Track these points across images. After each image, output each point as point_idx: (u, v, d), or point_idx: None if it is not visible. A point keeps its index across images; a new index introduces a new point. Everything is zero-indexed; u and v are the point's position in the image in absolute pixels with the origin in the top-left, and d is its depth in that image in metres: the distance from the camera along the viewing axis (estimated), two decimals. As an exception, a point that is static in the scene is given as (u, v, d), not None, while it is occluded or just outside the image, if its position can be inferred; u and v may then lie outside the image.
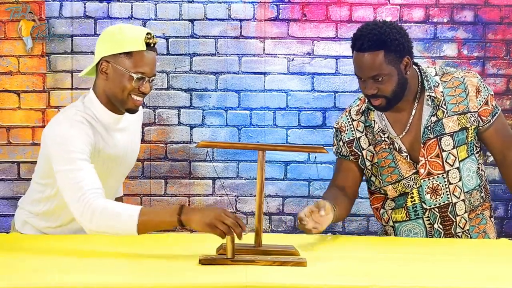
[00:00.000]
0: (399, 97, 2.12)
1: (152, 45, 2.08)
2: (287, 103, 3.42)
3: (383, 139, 2.21)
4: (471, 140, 2.19)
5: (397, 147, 2.19)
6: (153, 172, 3.43)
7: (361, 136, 2.25)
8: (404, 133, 2.19)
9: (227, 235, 1.76)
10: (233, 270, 1.65)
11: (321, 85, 3.42)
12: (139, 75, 2.05)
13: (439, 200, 2.20)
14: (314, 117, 3.43)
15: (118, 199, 2.46)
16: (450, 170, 2.18)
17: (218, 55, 3.41)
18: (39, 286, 1.53)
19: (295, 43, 3.41)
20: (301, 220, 1.89)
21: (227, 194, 3.40)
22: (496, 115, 2.20)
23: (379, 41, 2.04)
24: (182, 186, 3.44)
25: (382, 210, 2.32)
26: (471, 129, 2.18)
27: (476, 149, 2.23)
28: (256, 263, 1.71)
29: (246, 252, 1.76)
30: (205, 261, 1.71)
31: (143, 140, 3.36)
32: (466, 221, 2.23)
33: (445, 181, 2.18)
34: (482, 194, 2.26)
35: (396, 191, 2.25)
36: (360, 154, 2.26)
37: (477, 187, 2.23)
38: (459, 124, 2.16)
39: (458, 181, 2.19)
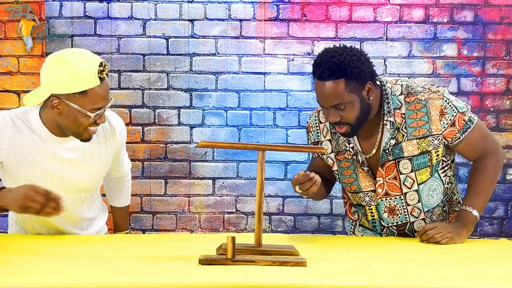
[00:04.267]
0: (363, 122, 2.07)
1: (105, 75, 1.96)
2: (287, 103, 3.43)
3: (347, 148, 2.17)
4: (436, 162, 2.12)
5: (360, 160, 2.16)
6: (153, 172, 3.43)
7: (323, 141, 2.22)
8: (370, 154, 2.14)
9: (45, 214, 1.76)
10: (233, 270, 1.65)
11: (321, 85, 3.42)
12: (96, 112, 1.96)
13: (397, 219, 2.20)
14: (314, 117, 3.43)
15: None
16: (408, 192, 2.15)
17: (218, 55, 3.41)
18: (39, 286, 1.53)
19: (295, 43, 3.41)
20: (298, 181, 1.93)
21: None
22: (468, 130, 2.09)
23: (339, 70, 1.96)
24: (182, 186, 3.44)
25: (353, 209, 2.33)
26: (434, 152, 2.11)
27: (443, 163, 2.16)
28: (256, 263, 1.71)
29: (246, 252, 1.76)
30: (205, 261, 1.71)
31: (143, 140, 3.36)
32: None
33: (402, 203, 2.16)
34: (445, 208, 2.23)
35: (354, 200, 2.27)
36: (322, 157, 2.26)
37: (440, 204, 2.20)
38: (418, 148, 2.10)
39: (417, 203, 2.16)
